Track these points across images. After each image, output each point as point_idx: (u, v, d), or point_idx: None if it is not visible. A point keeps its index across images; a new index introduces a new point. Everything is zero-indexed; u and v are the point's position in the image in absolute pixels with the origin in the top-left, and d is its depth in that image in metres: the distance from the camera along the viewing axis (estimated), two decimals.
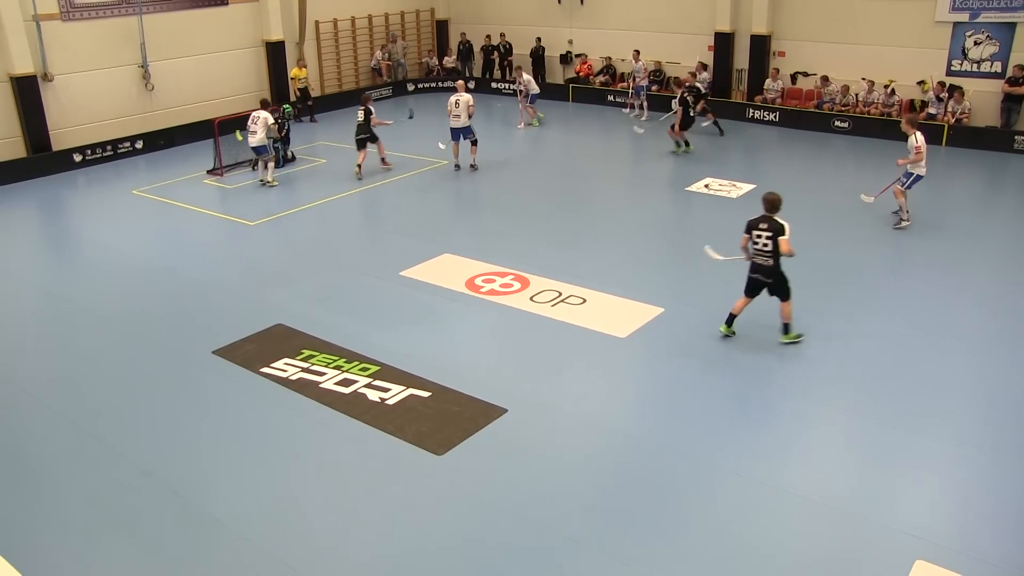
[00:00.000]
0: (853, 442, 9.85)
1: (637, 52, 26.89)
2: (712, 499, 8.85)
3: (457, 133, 21.14)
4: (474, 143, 21.18)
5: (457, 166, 21.39)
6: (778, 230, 11.50)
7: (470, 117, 20.92)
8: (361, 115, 21.08)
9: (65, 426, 10.56)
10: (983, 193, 19.84)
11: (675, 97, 22.30)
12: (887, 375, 11.13)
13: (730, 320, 12.15)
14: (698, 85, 23.50)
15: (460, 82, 22.03)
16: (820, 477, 9.17)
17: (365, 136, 21.09)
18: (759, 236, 11.65)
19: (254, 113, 20.32)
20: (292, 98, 27.71)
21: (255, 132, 20.11)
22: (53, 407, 11.03)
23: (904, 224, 16.40)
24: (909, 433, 9.86)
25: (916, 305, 13.10)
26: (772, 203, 11.73)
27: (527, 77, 25.95)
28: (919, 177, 16.17)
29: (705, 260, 12.91)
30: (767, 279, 11.77)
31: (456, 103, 20.86)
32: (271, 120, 20.45)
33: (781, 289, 11.78)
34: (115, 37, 23.92)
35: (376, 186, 20.31)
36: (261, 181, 20.67)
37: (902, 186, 16.28)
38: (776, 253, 11.55)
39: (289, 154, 22.44)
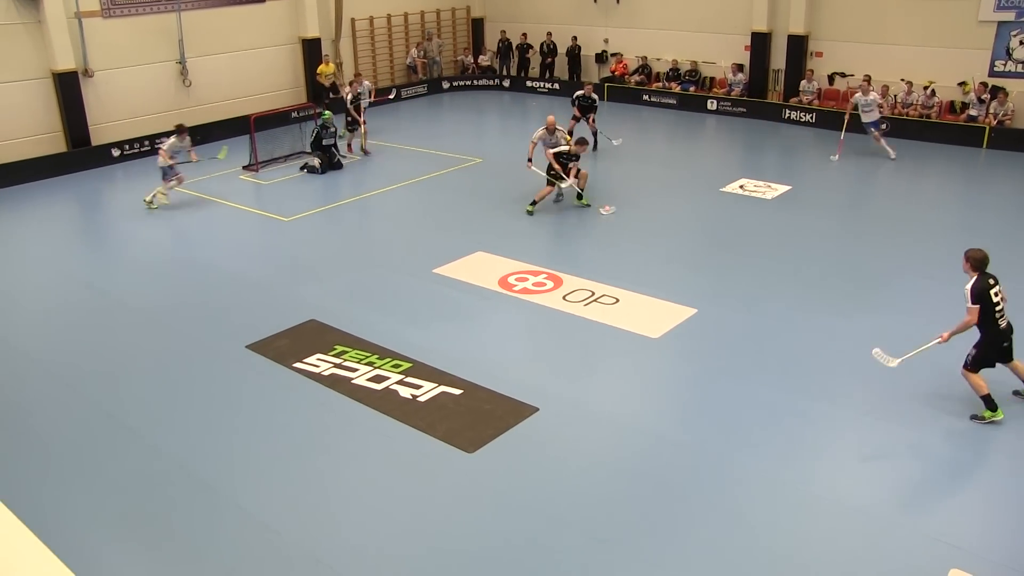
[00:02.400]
0: (888, 449, 9.72)
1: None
2: (743, 503, 8.79)
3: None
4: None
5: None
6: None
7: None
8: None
9: (100, 417, 10.67)
10: None
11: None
12: (922, 380, 10.98)
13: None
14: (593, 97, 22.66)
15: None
16: (853, 483, 9.07)
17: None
18: (998, 295, 9.89)
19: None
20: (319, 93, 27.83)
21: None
22: (89, 398, 11.16)
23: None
24: (946, 441, 9.75)
25: (952, 310, 12.91)
26: (984, 260, 10.00)
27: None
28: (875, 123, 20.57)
29: (739, 261, 12.77)
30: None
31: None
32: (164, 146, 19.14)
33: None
34: (154, 33, 24.15)
35: (410, 183, 20.33)
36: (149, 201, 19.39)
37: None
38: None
39: (336, 160, 21.97)
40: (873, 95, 21.06)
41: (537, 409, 10.46)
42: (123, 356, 12.37)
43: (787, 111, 25.69)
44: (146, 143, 23.72)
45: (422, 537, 8.41)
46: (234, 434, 10.31)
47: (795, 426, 10.10)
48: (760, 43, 26.80)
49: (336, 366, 11.68)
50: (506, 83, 32.20)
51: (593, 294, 13.73)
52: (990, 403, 9.90)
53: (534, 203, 17.84)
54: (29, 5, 21.41)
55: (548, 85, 31.09)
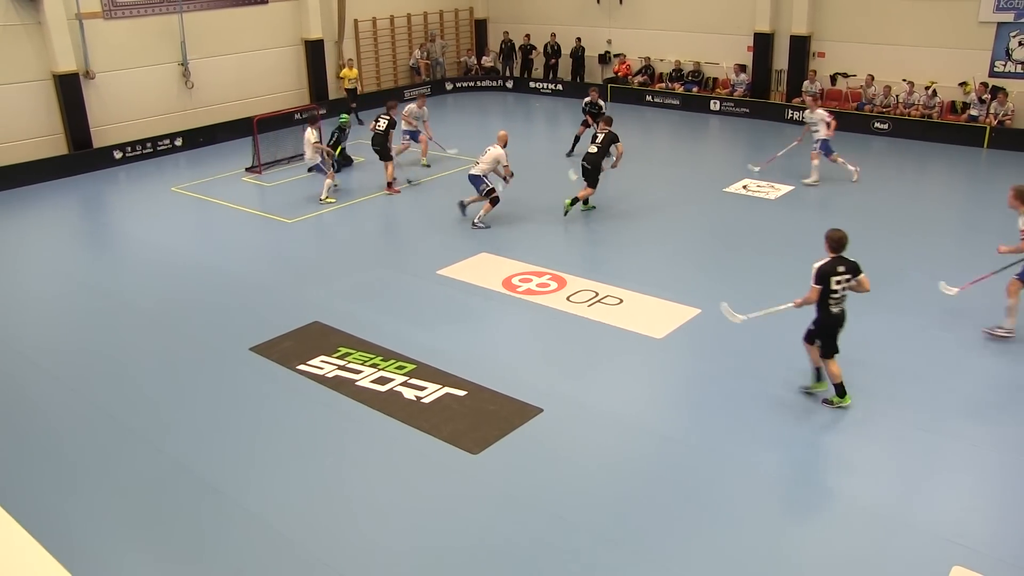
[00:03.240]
0: (891, 446, 9.72)
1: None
2: (748, 502, 8.78)
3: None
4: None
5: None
6: (855, 268, 10.09)
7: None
8: (383, 124, 19.59)
9: (104, 420, 10.67)
10: None
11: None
12: (926, 378, 10.99)
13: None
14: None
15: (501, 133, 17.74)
16: (857, 481, 9.06)
17: (379, 149, 19.64)
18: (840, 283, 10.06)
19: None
20: (335, 96, 27.85)
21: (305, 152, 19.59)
22: (92, 401, 11.15)
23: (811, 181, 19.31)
24: (948, 437, 9.75)
25: (955, 309, 12.93)
26: (840, 241, 10.10)
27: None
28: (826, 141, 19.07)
29: (743, 261, 12.78)
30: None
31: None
32: (313, 138, 19.32)
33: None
34: (156, 35, 24.15)
35: (413, 185, 20.31)
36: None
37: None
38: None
39: (350, 158, 22.16)
40: (820, 112, 19.37)
41: (541, 410, 10.45)
42: (126, 358, 12.37)
43: (790, 111, 25.68)
44: (148, 145, 23.75)
45: (427, 538, 8.40)
46: (238, 436, 10.30)
47: (800, 426, 10.09)
48: (763, 44, 26.81)
49: (340, 368, 11.67)
50: (509, 84, 32.20)
51: (597, 295, 13.72)
52: (842, 391, 10.36)
53: (576, 201, 17.61)
54: (29, 6, 21.39)
55: (551, 86, 31.09)
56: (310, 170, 20.58)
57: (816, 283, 9.99)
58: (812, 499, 8.79)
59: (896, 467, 9.37)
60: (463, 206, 17.69)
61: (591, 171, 17.30)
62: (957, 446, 9.63)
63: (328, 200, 19.17)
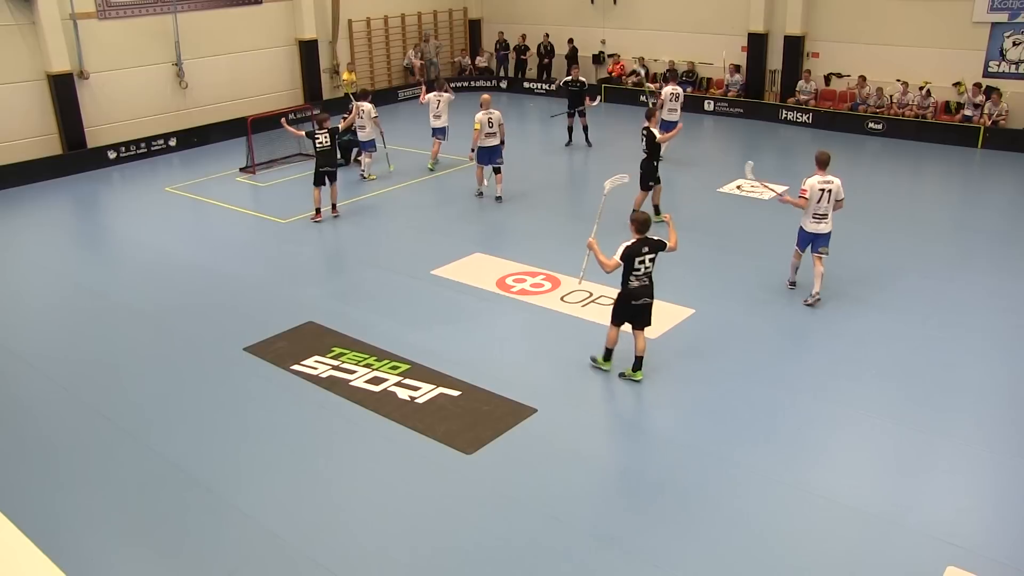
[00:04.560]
0: (884, 446, 9.75)
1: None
2: (742, 502, 8.78)
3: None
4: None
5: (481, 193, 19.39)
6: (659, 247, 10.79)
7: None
8: (326, 139, 17.62)
9: (97, 420, 10.65)
10: (1019, 196, 19.58)
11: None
12: (920, 378, 11.01)
13: None
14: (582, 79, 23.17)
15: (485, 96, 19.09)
16: (851, 481, 9.08)
17: (331, 168, 17.84)
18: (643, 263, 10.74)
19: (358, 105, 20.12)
20: (329, 96, 27.87)
21: (363, 127, 20.24)
22: (86, 401, 11.13)
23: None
24: (941, 437, 9.77)
25: (948, 308, 12.96)
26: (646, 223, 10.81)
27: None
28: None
29: (736, 261, 12.79)
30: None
31: (489, 121, 18.39)
32: (374, 112, 20.17)
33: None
34: (150, 35, 24.12)
35: (407, 185, 20.33)
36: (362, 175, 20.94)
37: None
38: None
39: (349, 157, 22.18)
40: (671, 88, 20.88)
41: (536, 410, 10.45)
42: (120, 358, 12.35)
43: (784, 111, 25.72)
44: (142, 145, 23.74)
45: (421, 539, 8.39)
46: (231, 436, 10.29)
47: (793, 425, 10.11)
48: (757, 44, 26.83)
49: (334, 368, 11.66)
50: (503, 84, 32.21)
51: (591, 295, 13.72)
52: (608, 356, 11.34)
53: (657, 211, 16.92)
54: (23, 6, 21.37)
55: (546, 86, 31.09)
56: (359, 148, 21.01)
57: (621, 259, 10.69)
58: (806, 499, 8.79)
59: (890, 467, 9.39)
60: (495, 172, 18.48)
61: (646, 175, 16.98)
62: (951, 446, 9.64)
63: (371, 177, 20.34)
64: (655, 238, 10.76)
